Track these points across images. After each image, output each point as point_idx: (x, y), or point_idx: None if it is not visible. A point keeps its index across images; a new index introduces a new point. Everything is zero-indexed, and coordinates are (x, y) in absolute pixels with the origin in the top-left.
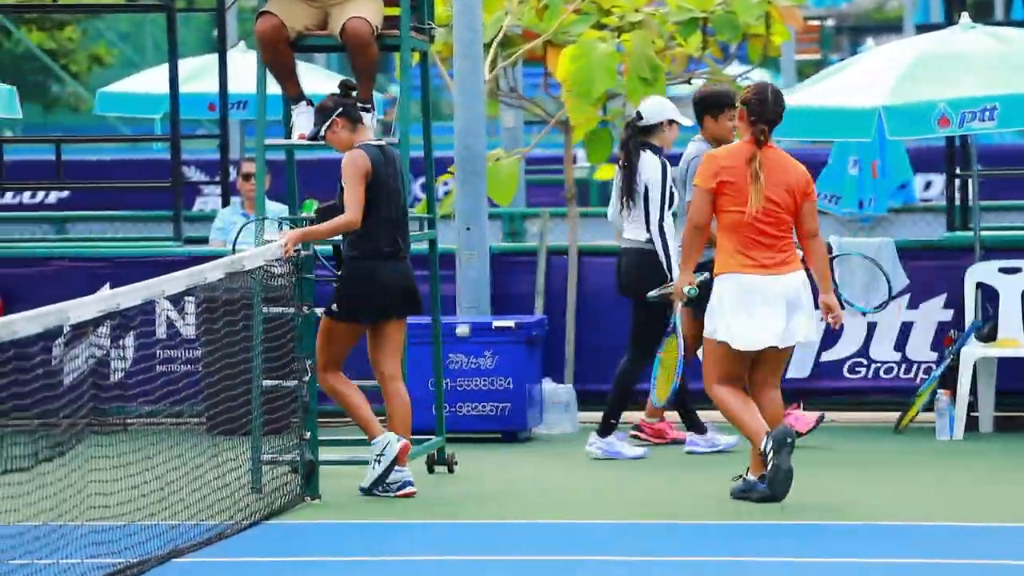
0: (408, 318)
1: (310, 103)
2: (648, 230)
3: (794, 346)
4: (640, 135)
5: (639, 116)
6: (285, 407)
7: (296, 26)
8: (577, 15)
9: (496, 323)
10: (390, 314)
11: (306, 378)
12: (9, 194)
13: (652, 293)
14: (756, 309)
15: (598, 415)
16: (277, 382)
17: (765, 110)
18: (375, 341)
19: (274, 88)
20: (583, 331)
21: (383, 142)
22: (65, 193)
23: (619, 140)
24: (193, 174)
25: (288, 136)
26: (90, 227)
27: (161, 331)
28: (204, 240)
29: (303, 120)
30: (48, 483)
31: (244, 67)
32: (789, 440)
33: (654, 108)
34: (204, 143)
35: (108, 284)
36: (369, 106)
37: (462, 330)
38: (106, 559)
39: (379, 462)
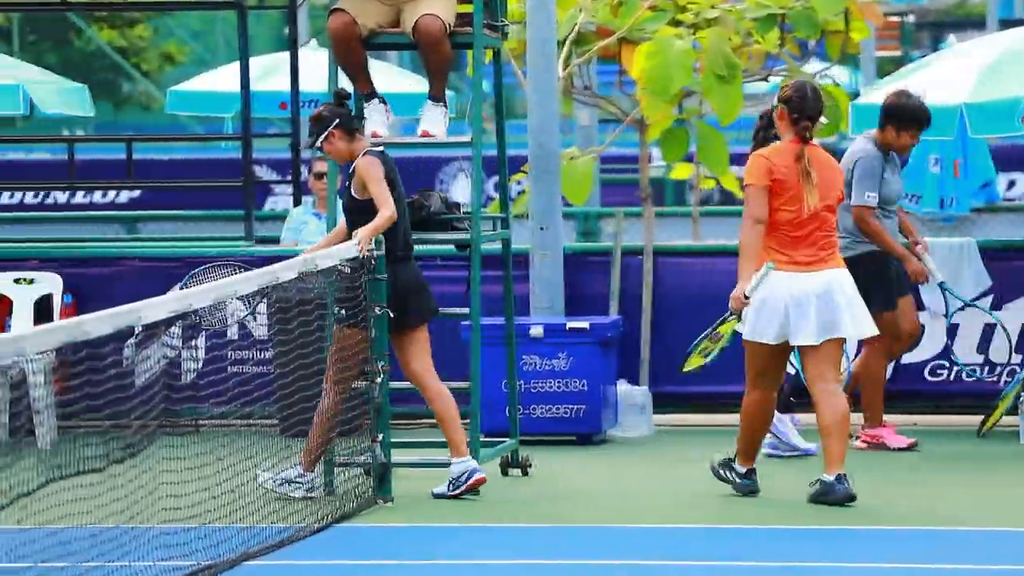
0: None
1: (382, 101)
2: None
3: (841, 341)
4: (773, 127)
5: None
6: (357, 408)
7: (368, 23)
8: (653, 12)
9: (570, 324)
10: (409, 315)
11: (378, 380)
12: (80, 193)
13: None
14: (783, 305)
15: (674, 417)
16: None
17: (807, 106)
18: (400, 345)
19: (346, 86)
20: (658, 332)
21: (381, 149)
22: (136, 192)
23: (752, 131)
24: (264, 173)
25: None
26: (161, 227)
27: (232, 332)
28: (275, 240)
29: (375, 118)
30: (120, 484)
31: (316, 65)
32: (845, 485)
33: None
34: (275, 142)
35: (179, 284)
36: (442, 104)
37: (536, 331)
38: (177, 561)
39: (282, 484)
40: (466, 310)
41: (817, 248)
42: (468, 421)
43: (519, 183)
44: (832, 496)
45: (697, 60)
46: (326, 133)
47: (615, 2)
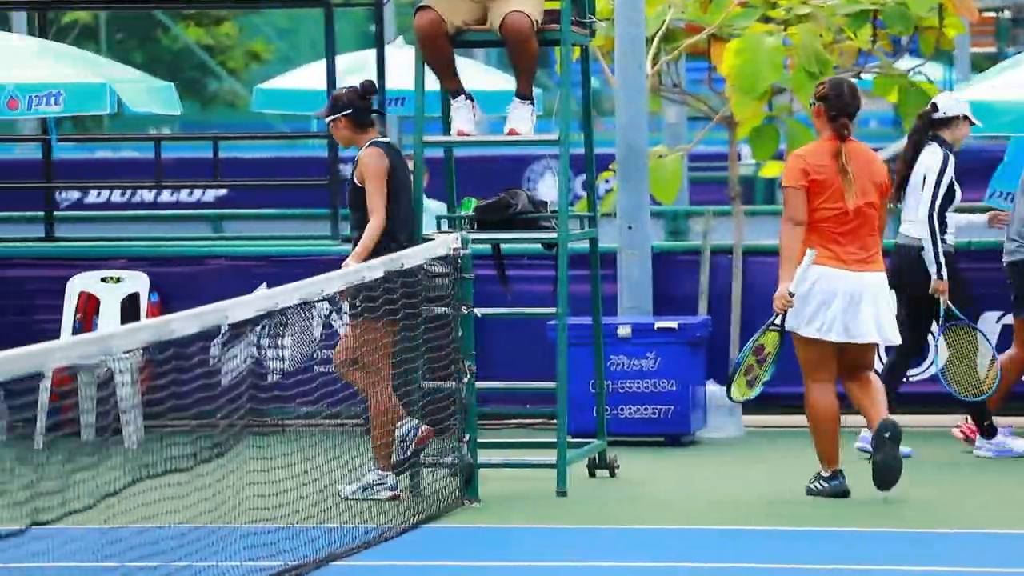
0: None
1: (469, 98)
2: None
3: (874, 344)
4: (932, 128)
5: (934, 107)
6: (445, 409)
7: (455, 21)
8: (743, 8)
9: (659, 324)
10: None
11: (466, 379)
12: (167, 192)
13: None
14: (829, 300)
15: (763, 418)
16: (437, 383)
17: (844, 103)
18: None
19: (433, 84)
20: (747, 332)
21: (388, 141)
22: (222, 191)
23: (908, 131)
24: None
25: (447, 132)
26: (247, 225)
27: (318, 331)
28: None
29: (462, 115)
30: (207, 484)
31: (402, 62)
32: (888, 434)
33: (951, 102)
34: None
35: (265, 283)
36: (529, 101)
37: (624, 331)
38: (265, 562)
39: (364, 490)
40: (553, 310)
41: (859, 247)
42: (555, 421)
43: (607, 181)
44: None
45: (787, 57)
46: (335, 116)
47: None
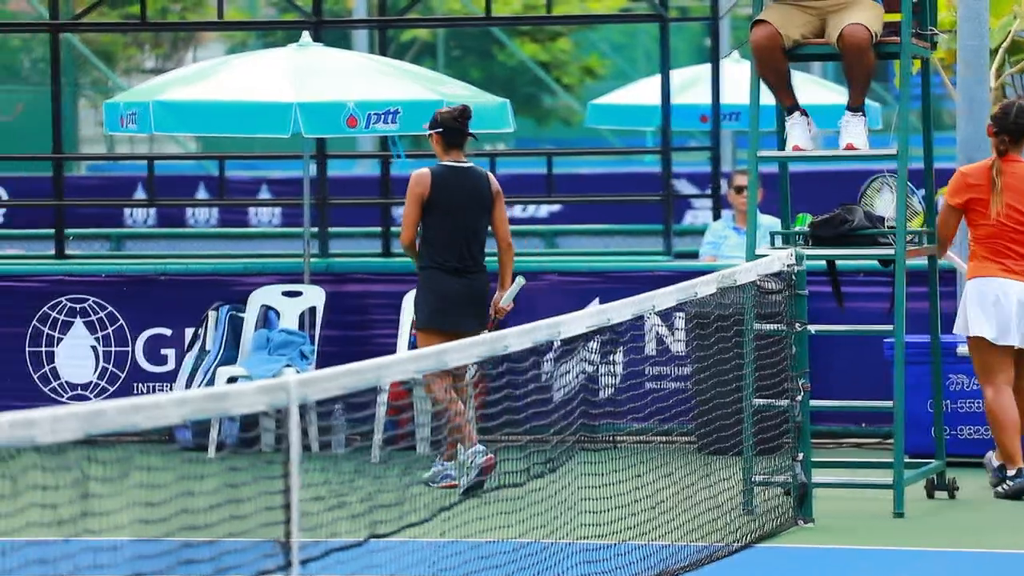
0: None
1: (804, 113)
2: None
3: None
4: None
5: None
6: (777, 427)
7: (792, 34)
8: None
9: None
10: (459, 326)
11: (799, 397)
12: None
13: None
14: (998, 307)
15: None
16: (769, 401)
17: (1006, 123)
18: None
19: (768, 99)
20: None
21: (467, 164)
22: (556, 207)
23: None
24: (684, 187)
25: (782, 148)
26: (580, 241)
27: (651, 347)
28: (694, 254)
29: (798, 131)
30: (539, 500)
31: (737, 77)
32: None
33: None
34: (695, 155)
35: (598, 299)
36: (861, 114)
37: (963, 349)
38: None
39: (469, 470)
40: (889, 327)
41: (1017, 258)
42: (892, 441)
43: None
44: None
45: None
46: (430, 132)
47: None
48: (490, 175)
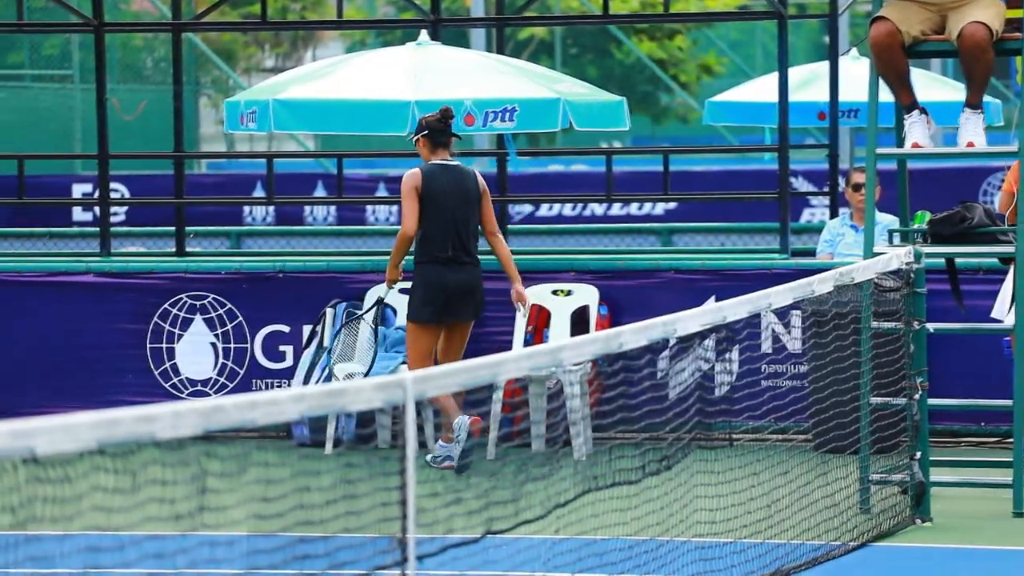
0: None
1: (923, 111)
2: None
3: None
4: None
5: None
6: (895, 426)
7: (912, 31)
8: None
9: None
10: (454, 316)
11: (917, 396)
12: (617, 205)
13: None
14: None
15: None
16: (886, 399)
17: None
18: (443, 344)
19: (886, 96)
20: None
21: (454, 162)
22: (672, 204)
23: None
24: (801, 185)
25: (900, 145)
26: (695, 238)
27: (767, 345)
28: (811, 253)
29: (917, 129)
30: (655, 497)
31: (855, 74)
32: None
33: None
34: (813, 153)
35: (713, 296)
36: (979, 111)
37: None
38: None
39: (459, 441)
40: (1009, 325)
41: None
42: (1012, 440)
43: None
44: None
45: None
46: (416, 136)
47: None
48: (476, 172)
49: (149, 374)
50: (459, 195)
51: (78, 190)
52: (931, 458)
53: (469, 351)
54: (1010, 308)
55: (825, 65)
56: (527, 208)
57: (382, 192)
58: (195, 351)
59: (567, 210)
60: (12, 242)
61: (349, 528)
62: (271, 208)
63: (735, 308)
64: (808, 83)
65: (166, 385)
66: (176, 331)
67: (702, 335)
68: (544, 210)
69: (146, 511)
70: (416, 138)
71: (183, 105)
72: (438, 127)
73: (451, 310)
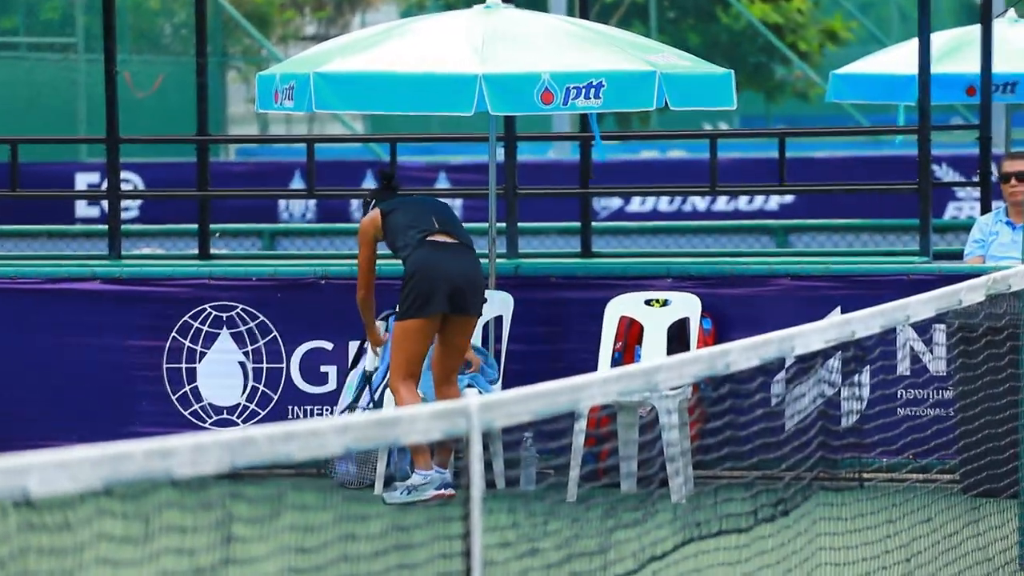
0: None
1: None
2: None
3: None
4: None
5: None
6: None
7: None
8: None
9: None
10: (458, 307)
11: None
12: (723, 199)
13: None
14: None
15: None
16: None
17: None
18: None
19: None
20: None
21: (405, 195)
22: (789, 198)
23: None
24: (945, 173)
25: None
26: (817, 238)
27: (904, 366)
28: (958, 255)
29: None
30: (769, 548)
31: (1013, 40)
32: None
33: None
34: (960, 135)
35: (839, 308)
36: None
37: None
38: None
39: (409, 492)
40: None
41: None
42: None
43: None
44: None
45: None
46: (370, 216)
47: None
48: None
49: (166, 400)
50: (425, 199)
51: (83, 180)
52: None
53: (545, 371)
54: None
55: (976, 30)
56: (616, 202)
57: (443, 183)
58: (221, 372)
59: (663, 204)
60: (5, 242)
61: None
62: (312, 202)
63: (865, 322)
64: (955, 51)
65: (186, 413)
66: (198, 348)
67: (825, 354)
68: (636, 204)
69: (161, 564)
70: (370, 203)
71: (207, 80)
72: (387, 193)
73: (447, 301)
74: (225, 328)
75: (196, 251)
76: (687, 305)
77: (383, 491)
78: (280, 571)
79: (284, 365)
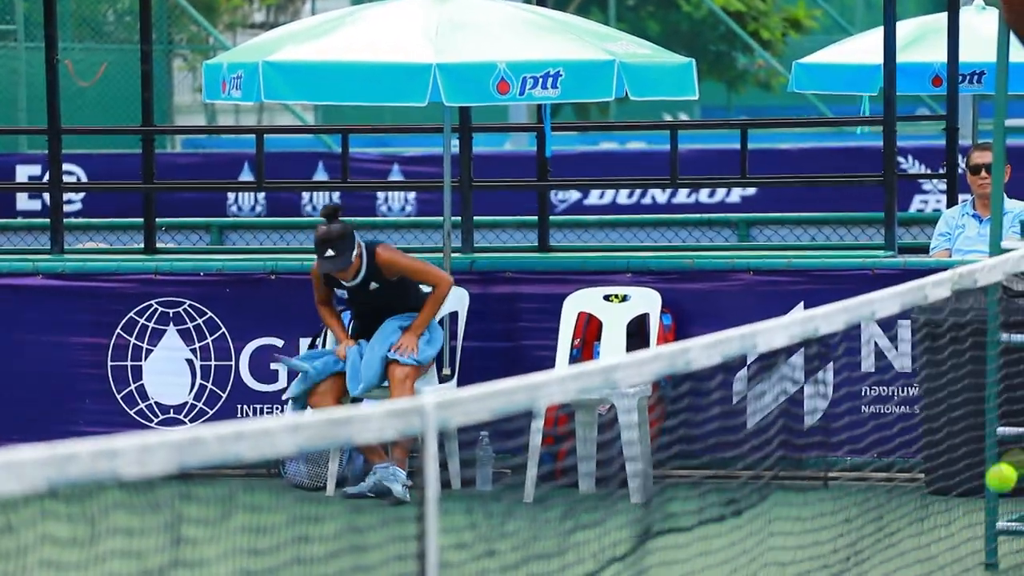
0: None
1: None
2: None
3: None
4: None
5: None
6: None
7: None
8: None
9: None
10: None
11: None
12: (683, 192)
13: None
14: None
15: None
16: (1018, 430)
17: None
18: None
19: (1018, 55)
20: None
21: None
22: (750, 190)
23: None
24: (910, 165)
25: None
26: (779, 232)
27: (869, 363)
28: (923, 249)
29: None
30: (713, 549)
31: (980, 29)
32: None
33: None
34: (925, 126)
35: (802, 303)
36: None
37: None
38: None
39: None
40: None
41: None
42: None
43: None
44: None
45: None
46: (352, 262)
47: None
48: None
49: (111, 398)
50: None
51: (23, 172)
52: None
53: (501, 369)
54: None
55: (942, 18)
56: (574, 195)
57: (396, 175)
58: (167, 370)
59: (622, 197)
60: None
61: None
62: (261, 195)
63: (829, 318)
64: (921, 40)
65: (131, 412)
66: (144, 345)
67: (788, 351)
68: (594, 197)
69: (107, 567)
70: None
71: (152, 69)
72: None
73: None
74: (172, 325)
75: (142, 246)
76: (647, 300)
77: (339, 489)
78: (232, 573)
79: (233, 362)
